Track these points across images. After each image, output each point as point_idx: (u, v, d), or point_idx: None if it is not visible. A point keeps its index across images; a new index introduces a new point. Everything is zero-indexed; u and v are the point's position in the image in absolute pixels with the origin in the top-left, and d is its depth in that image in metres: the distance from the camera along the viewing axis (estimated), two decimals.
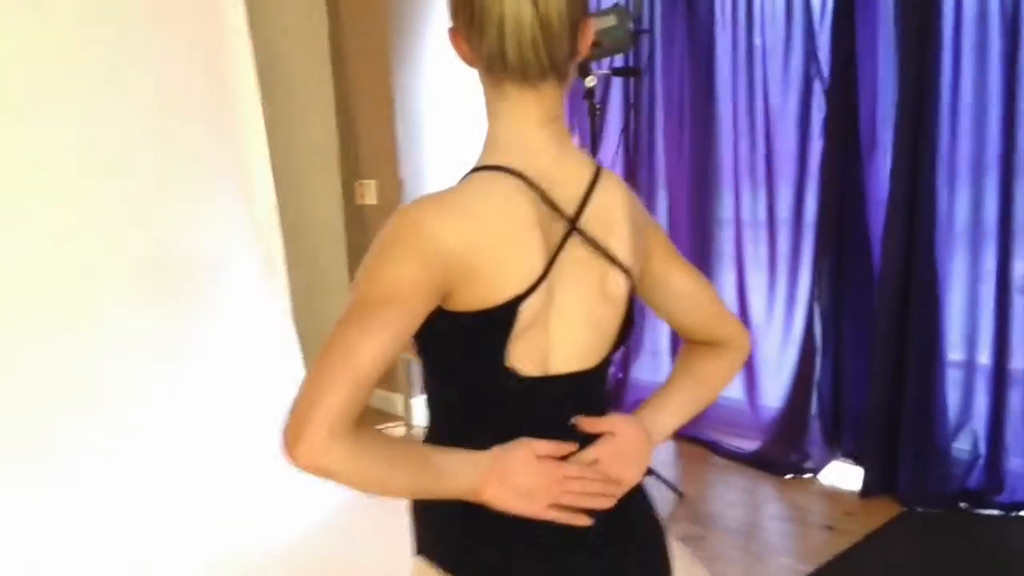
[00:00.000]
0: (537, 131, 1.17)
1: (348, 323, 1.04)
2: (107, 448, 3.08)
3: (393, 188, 4.35)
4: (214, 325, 3.58)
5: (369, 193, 4.51)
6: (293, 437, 0.98)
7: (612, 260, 1.21)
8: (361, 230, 4.59)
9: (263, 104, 3.81)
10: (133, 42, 3.27)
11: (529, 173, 1.15)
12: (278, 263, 3.89)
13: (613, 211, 1.22)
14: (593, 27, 1.20)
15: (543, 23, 1.10)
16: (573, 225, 1.18)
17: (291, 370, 3.86)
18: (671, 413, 1.31)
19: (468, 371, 1.17)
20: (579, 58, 1.19)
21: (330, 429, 0.97)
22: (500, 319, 1.12)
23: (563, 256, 1.17)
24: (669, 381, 1.36)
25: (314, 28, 4.46)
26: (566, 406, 1.21)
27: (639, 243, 1.26)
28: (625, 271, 1.22)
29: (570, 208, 1.19)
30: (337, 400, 0.98)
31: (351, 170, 4.60)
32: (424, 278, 1.07)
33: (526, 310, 1.13)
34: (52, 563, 2.79)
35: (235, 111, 3.70)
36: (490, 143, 1.19)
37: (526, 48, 1.11)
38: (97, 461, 3.04)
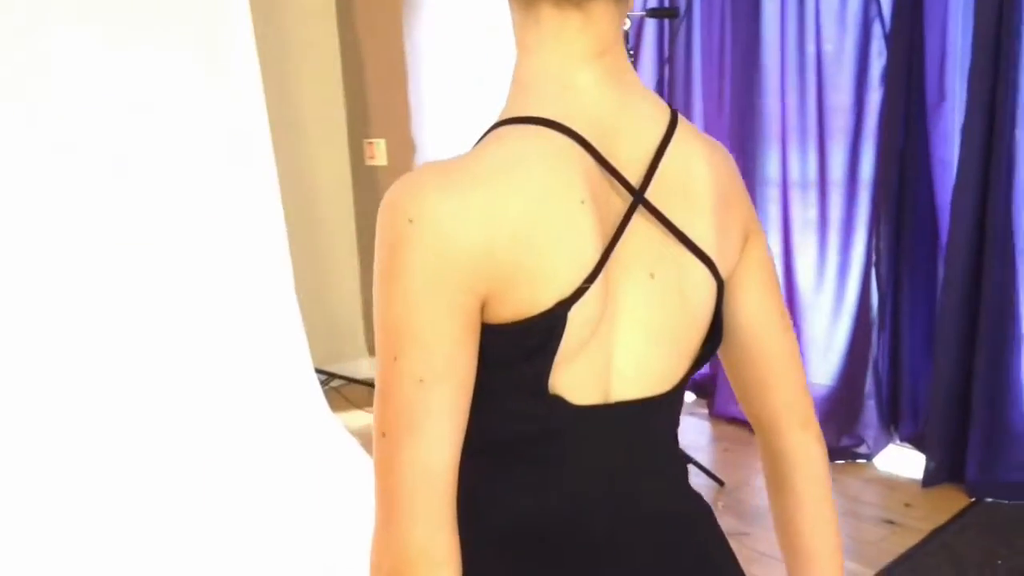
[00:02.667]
0: (584, 67, 0.84)
1: (393, 434, 0.77)
2: (114, 442, 2.96)
3: (406, 149, 4.02)
4: (210, 294, 3.34)
5: (379, 153, 4.18)
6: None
7: (692, 247, 0.87)
8: (371, 193, 4.26)
9: (260, 53, 3.48)
10: None
11: (576, 125, 0.81)
12: (278, 227, 3.58)
13: (695, 178, 0.88)
14: None
15: None
16: (639, 197, 0.84)
17: (294, 344, 3.59)
18: None
19: (504, 398, 0.84)
20: None
21: (435, 557, 0.77)
22: (542, 332, 0.80)
23: (625, 241, 0.83)
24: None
25: None
26: (628, 441, 0.89)
27: (731, 230, 0.92)
28: (710, 264, 0.88)
29: (635, 174, 0.84)
30: (428, 521, 0.77)
31: (358, 129, 4.27)
32: (448, 310, 0.76)
33: (576, 318, 0.80)
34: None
35: (229, 59, 3.38)
36: (519, 87, 0.86)
37: None
38: (108, 456, 2.91)
